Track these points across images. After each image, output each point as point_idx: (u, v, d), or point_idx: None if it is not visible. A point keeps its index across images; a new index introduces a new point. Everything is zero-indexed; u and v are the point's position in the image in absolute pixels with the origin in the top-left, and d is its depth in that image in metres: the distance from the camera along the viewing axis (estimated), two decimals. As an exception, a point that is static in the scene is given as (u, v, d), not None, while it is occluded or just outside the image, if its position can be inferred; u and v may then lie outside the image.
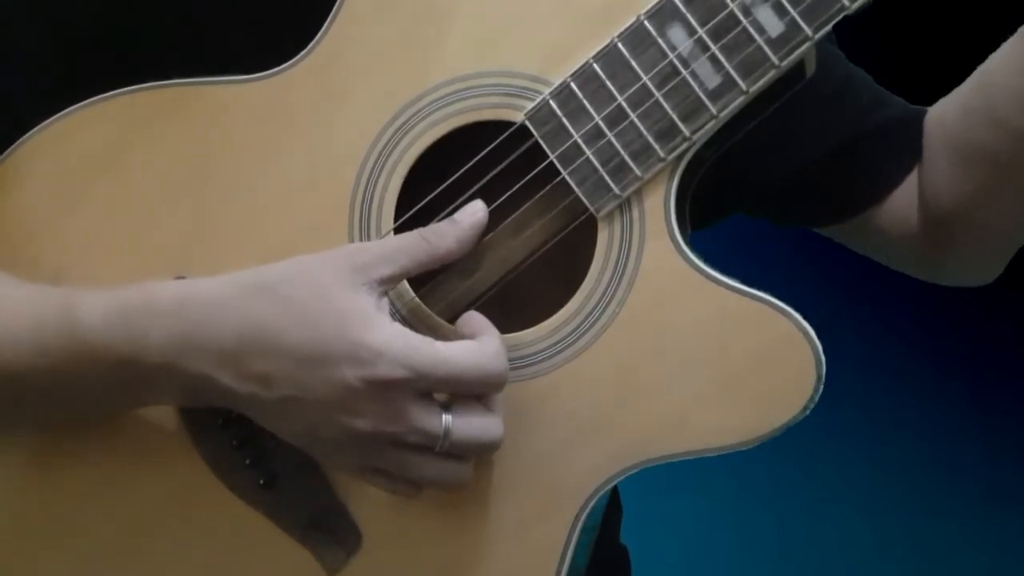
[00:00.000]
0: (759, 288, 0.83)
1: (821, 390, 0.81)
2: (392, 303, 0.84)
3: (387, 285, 0.81)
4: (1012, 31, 0.89)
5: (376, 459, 0.81)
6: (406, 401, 0.79)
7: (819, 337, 0.81)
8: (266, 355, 0.79)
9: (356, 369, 0.78)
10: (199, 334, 0.80)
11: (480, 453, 0.83)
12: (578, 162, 0.83)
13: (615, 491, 0.99)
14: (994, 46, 0.91)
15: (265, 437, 0.85)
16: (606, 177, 0.82)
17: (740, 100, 0.80)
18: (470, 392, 0.81)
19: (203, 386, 0.81)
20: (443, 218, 0.84)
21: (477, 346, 0.80)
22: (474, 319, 0.83)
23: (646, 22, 0.81)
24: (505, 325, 0.84)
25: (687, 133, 0.81)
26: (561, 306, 0.84)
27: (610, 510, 0.97)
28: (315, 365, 0.78)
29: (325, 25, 0.85)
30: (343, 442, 0.81)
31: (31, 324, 0.83)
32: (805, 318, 0.81)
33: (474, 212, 0.84)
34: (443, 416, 0.80)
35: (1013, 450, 2.94)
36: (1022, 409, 3.02)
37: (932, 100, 1.00)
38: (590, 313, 0.84)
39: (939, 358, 2.93)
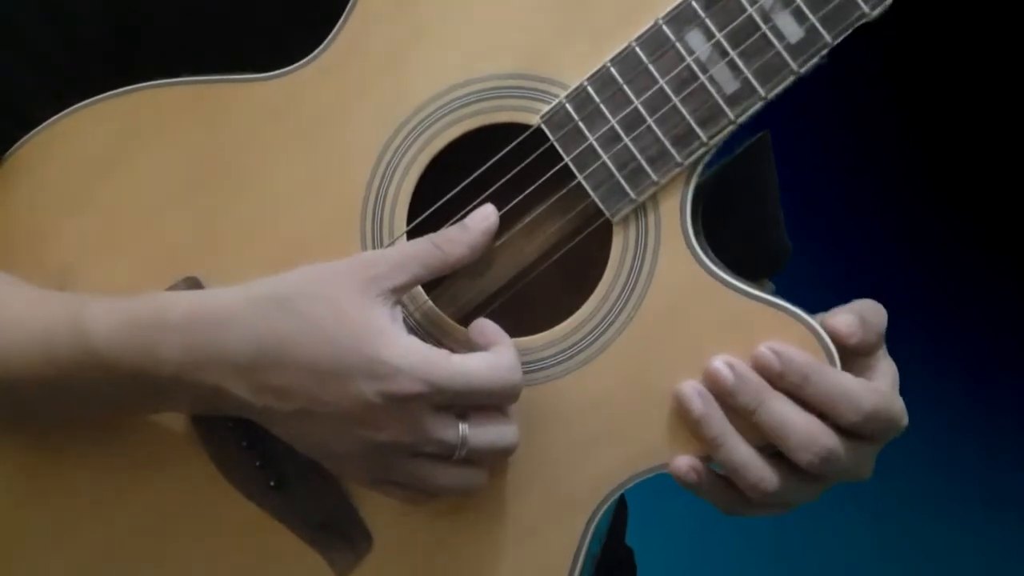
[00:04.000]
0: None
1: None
2: (405, 307, 0.84)
3: (400, 293, 0.81)
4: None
5: (391, 470, 0.81)
6: (423, 413, 0.78)
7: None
8: (282, 369, 0.78)
9: (373, 384, 0.77)
10: (212, 348, 0.79)
11: (495, 459, 0.83)
12: (594, 166, 0.82)
13: (621, 492, 0.99)
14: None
15: (275, 438, 0.84)
16: (622, 182, 0.82)
17: (759, 106, 0.80)
18: (486, 403, 0.80)
19: (217, 397, 0.80)
20: (455, 223, 0.84)
21: (493, 358, 0.80)
22: (488, 329, 0.82)
23: (664, 26, 0.80)
24: (517, 329, 0.83)
25: (704, 138, 0.81)
26: (573, 311, 0.84)
27: (616, 511, 0.97)
28: (332, 379, 0.78)
29: (339, 24, 0.85)
30: (359, 454, 0.80)
31: (40, 332, 0.82)
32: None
33: (485, 217, 0.83)
34: (459, 425, 0.79)
35: (1013, 450, 2.94)
36: (1022, 409, 3.02)
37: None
38: (604, 318, 0.83)
39: (939, 358, 2.93)
